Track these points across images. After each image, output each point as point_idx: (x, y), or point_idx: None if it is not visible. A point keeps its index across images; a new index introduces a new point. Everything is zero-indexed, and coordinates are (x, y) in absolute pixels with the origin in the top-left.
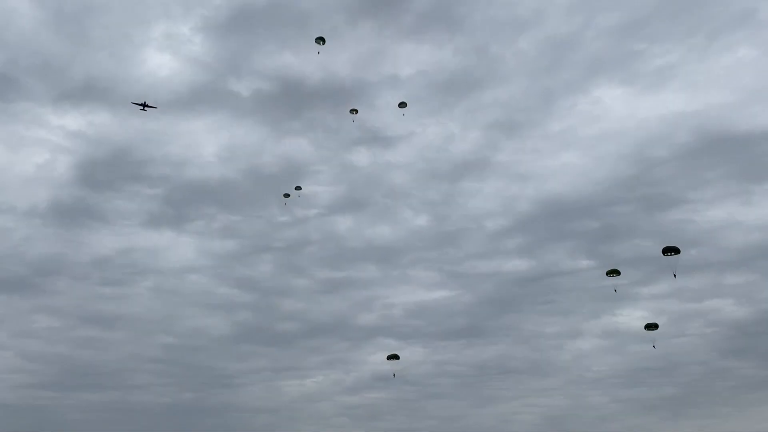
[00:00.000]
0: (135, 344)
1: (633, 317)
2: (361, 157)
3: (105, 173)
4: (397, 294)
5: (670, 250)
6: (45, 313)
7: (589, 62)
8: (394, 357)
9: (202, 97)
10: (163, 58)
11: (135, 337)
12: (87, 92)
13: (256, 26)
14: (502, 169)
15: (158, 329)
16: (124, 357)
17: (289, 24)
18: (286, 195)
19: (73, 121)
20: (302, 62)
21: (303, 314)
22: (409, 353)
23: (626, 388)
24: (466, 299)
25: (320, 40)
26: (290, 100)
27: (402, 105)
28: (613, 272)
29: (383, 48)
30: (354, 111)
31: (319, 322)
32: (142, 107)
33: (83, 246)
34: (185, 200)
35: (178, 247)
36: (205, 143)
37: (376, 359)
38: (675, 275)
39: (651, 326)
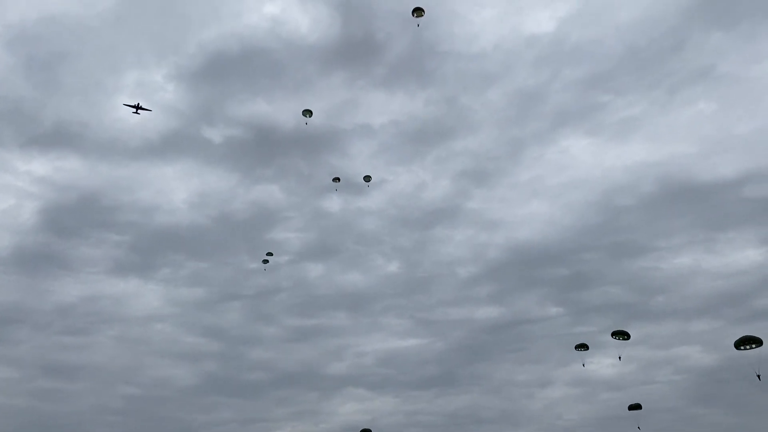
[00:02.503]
0: (97, 395)
1: (602, 365)
2: (333, 203)
3: (71, 219)
4: (368, 342)
5: (619, 334)
6: (3, 363)
7: (556, 113)
8: None
9: (173, 143)
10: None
11: (97, 388)
12: (56, 138)
13: (230, 74)
14: (472, 216)
15: (121, 379)
16: (85, 409)
17: (262, 72)
18: (265, 261)
19: (41, 166)
20: (275, 110)
21: (271, 363)
22: (381, 403)
23: None
24: (438, 347)
25: (307, 112)
26: (262, 147)
27: (367, 179)
28: (582, 346)
29: (356, 98)
30: (336, 180)
31: (288, 371)
32: (135, 110)
33: (46, 294)
34: (153, 247)
35: (145, 295)
36: (176, 190)
37: (347, 410)
38: (620, 358)
39: (634, 407)
